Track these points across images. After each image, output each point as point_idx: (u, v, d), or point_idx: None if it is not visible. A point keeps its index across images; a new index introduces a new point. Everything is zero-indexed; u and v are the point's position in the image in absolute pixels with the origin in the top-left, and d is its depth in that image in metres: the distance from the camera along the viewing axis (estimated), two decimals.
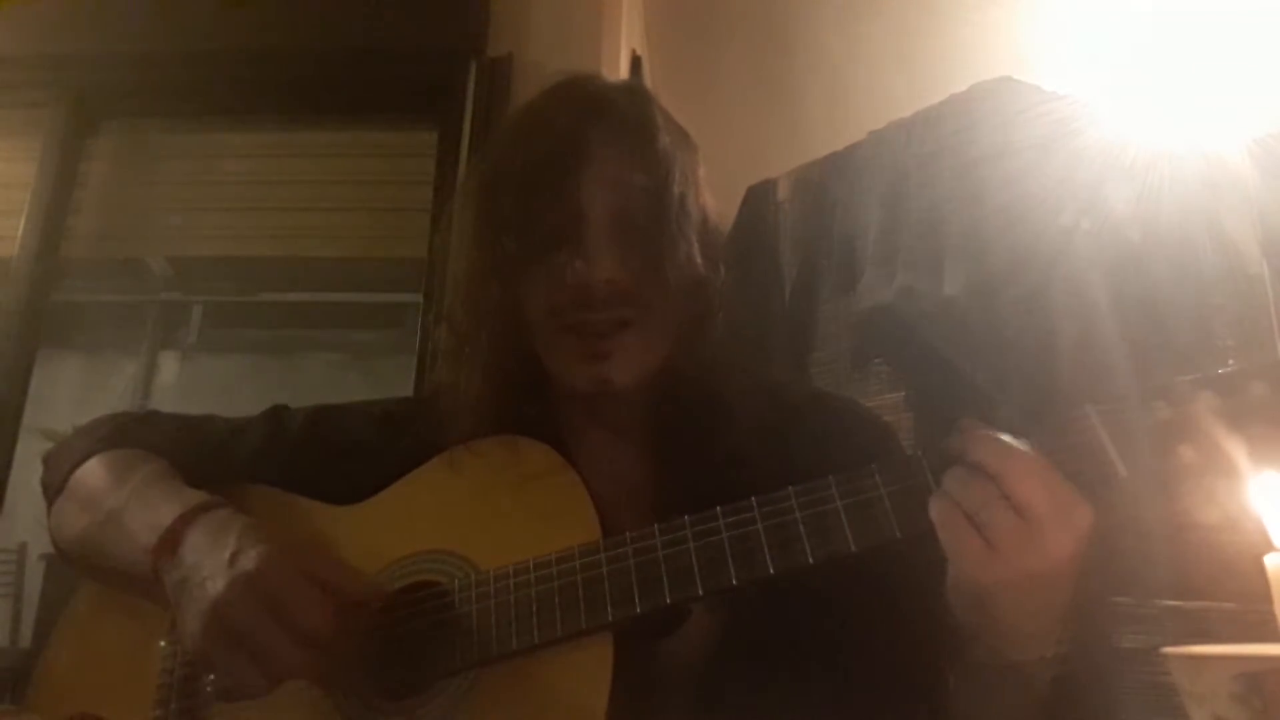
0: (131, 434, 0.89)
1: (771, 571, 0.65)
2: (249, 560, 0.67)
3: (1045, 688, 0.63)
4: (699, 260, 0.79)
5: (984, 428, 0.62)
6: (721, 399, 0.81)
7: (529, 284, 0.79)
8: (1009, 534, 0.56)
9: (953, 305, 1.57)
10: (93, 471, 0.85)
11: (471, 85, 2.00)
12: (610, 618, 0.67)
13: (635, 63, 2.22)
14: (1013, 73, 1.67)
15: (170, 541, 0.73)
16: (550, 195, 0.77)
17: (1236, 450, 0.57)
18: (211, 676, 0.67)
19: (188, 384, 4.79)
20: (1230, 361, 0.61)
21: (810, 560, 0.65)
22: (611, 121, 0.80)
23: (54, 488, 0.88)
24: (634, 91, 0.86)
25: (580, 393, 0.79)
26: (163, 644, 0.79)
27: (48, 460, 0.91)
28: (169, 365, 4.84)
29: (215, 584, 0.67)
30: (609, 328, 0.77)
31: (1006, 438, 0.59)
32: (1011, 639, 0.61)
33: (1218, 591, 1.27)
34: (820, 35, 2.36)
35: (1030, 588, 0.58)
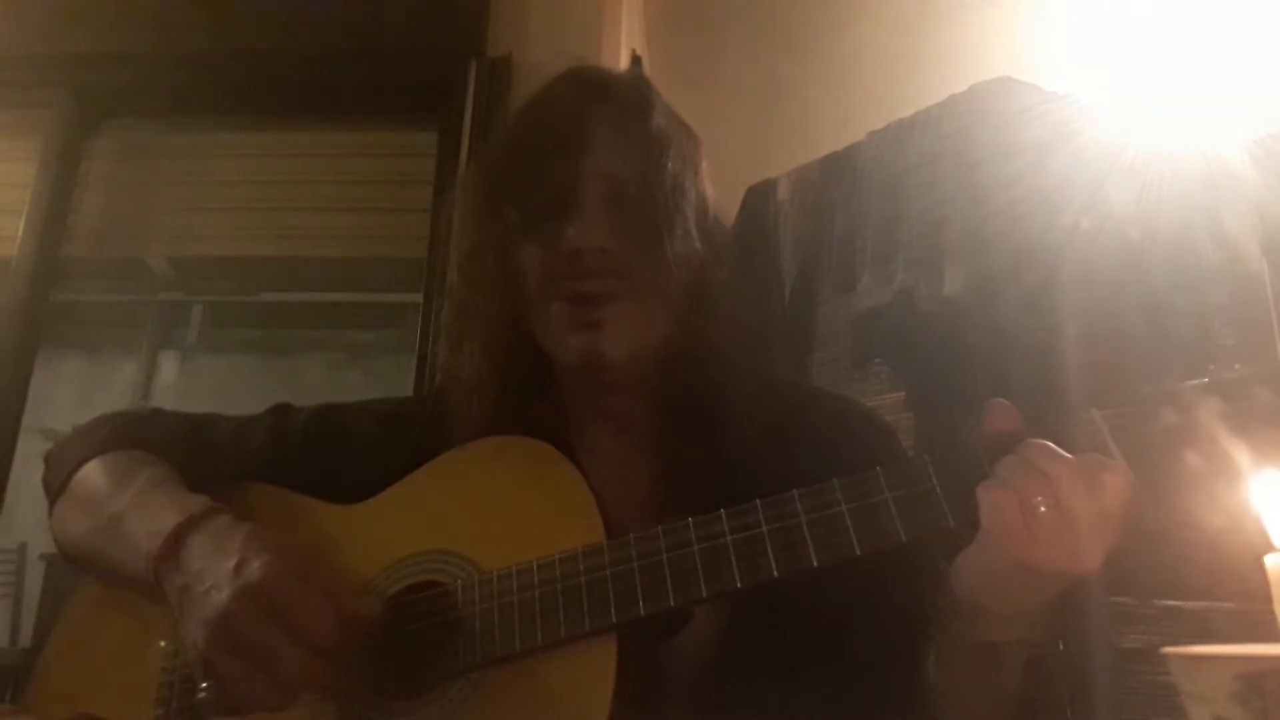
0: (133, 434, 0.88)
1: (775, 574, 0.65)
2: (253, 570, 0.67)
3: (1019, 668, 0.67)
4: (696, 240, 0.80)
5: (1011, 406, 0.66)
6: (725, 398, 0.81)
7: (525, 255, 0.80)
8: (1050, 527, 0.59)
9: (953, 305, 1.57)
10: (94, 474, 0.85)
11: (471, 85, 1.99)
12: (614, 619, 0.67)
13: (635, 63, 2.22)
14: (1013, 73, 1.67)
15: (172, 548, 0.73)
16: (547, 168, 0.79)
17: (1241, 455, 0.57)
18: (204, 685, 0.67)
19: (188, 384, 4.79)
20: (1236, 366, 0.61)
21: (814, 563, 0.65)
22: (609, 101, 0.82)
23: (55, 488, 0.87)
24: (635, 77, 0.90)
25: (573, 367, 0.80)
26: (163, 644, 0.79)
27: (49, 459, 0.90)
28: (169, 365, 4.84)
29: (220, 594, 0.66)
30: (602, 298, 0.77)
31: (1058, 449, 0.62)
32: (1004, 620, 0.65)
33: (1218, 591, 1.27)
34: (820, 35, 2.36)
35: (1047, 579, 0.61)
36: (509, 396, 0.83)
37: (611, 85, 0.85)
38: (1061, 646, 1.34)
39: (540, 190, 0.79)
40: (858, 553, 0.64)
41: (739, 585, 0.66)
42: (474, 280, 0.85)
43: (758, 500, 0.67)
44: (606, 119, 0.81)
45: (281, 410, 0.94)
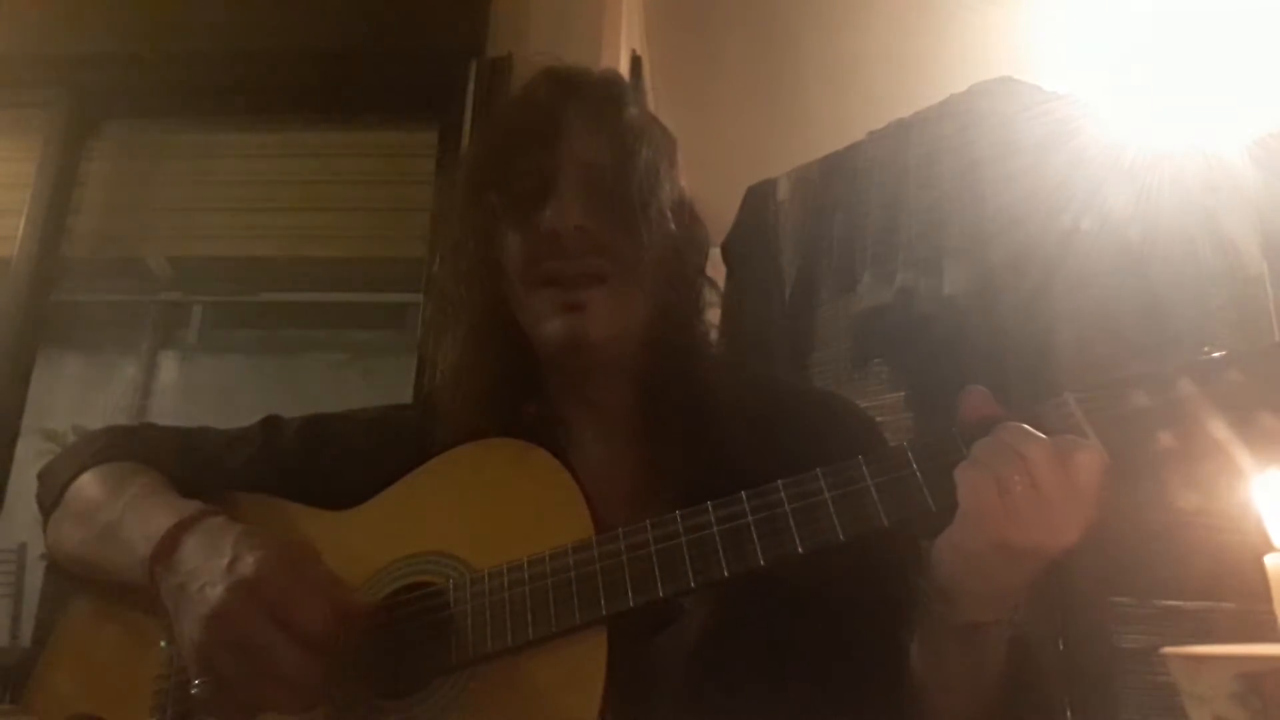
0: (125, 446, 0.89)
1: (762, 562, 0.66)
2: (247, 566, 0.67)
3: (1002, 649, 0.68)
4: (671, 224, 0.83)
5: (986, 392, 0.67)
6: (707, 387, 0.82)
7: (506, 243, 0.82)
8: (1026, 505, 0.60)
9: (953, 305, 1.57)
10: (88, 485, 0.85)
11: (471, 85, 2.00)
12: (604, 611, 0.67)
13: (635, 63, 2.23)
14: (1013, 73, 1.67)
15: (166, 549, 0.73)
16: (524, 156, 0.82)
17: (1216, 436, 0.58)
18: (198, 681, 0.67)
19: (188, 384, 4.78)
20: (1205, 348, 0.62)
21: (800, 550, 0.65)
22: (585, 94, 0.85)
23: (49, 503, 0.88)
24: (610, 75, 0.92)
25: (557, 350, 0.80)
26: (163, 644, 0.79)
27: (43, 476, 0.91)
28: (169, 365, 4.83)
29: (214, 590, 0.67)
30: (583, 280, 0.79)
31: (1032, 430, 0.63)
32: (985, 600, 0.66)
33: (1218, 591, 1.28)
34: (820, 35, 2.36)
35: (1025, 557, 0.62)
36: (495, 388, 0.84)
37: (586, 80, 0.88)
38: (1061, 646, 1.34)
39: (518, 178, 0.81)
40: (841, 539, 0.65)
41: (726, 574, 0.66)
42: (458, 270, 0.87)
43: (743, 491, 0.68)
44: (581, 111, 0.83)
45: (272, 422, 0.95)
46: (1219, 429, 0.58)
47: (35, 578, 3.69)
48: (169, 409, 4.49)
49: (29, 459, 2.07)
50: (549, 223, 0.78)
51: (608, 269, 0.79)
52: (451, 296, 0.88)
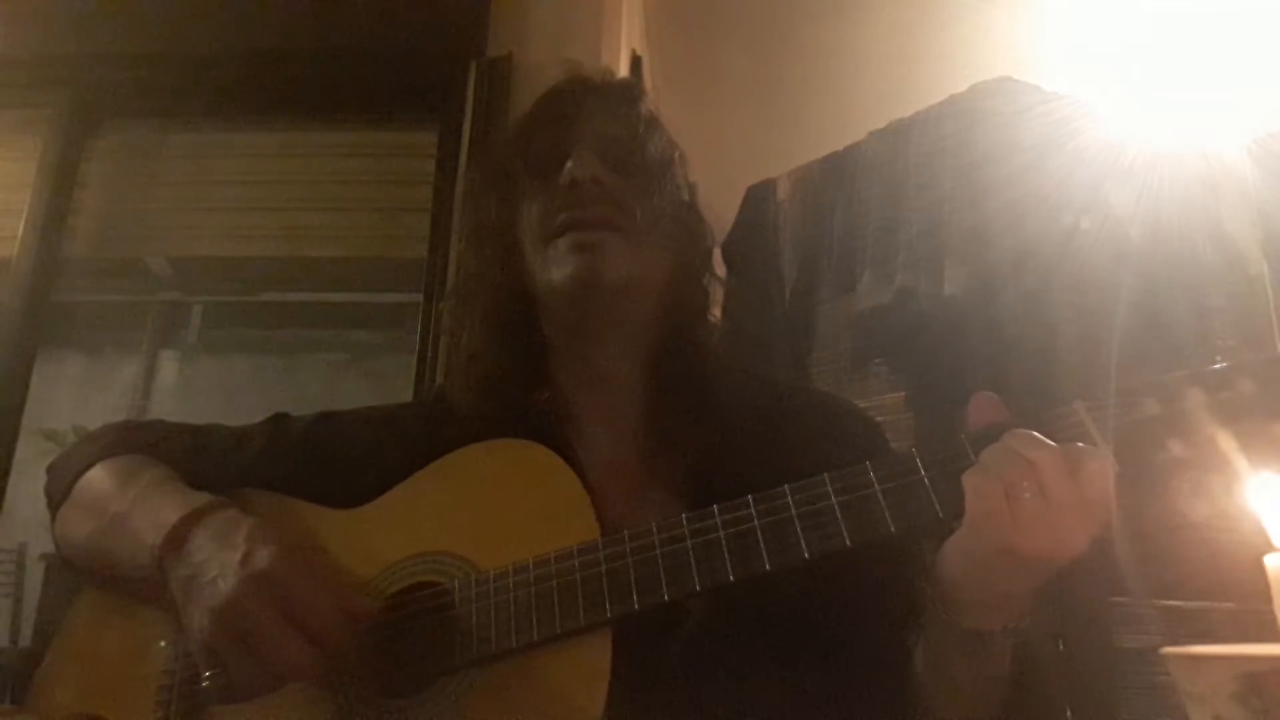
0: (135, 441, 0.89)
1: (768, 567, 0.66)
2: (261, 560, 0.68)
3: (1006, 656, 0.68)
4: (685, 195, 0.88)
5: (996, 398, 0.67)
6: (714, 379, 0.84)
7: (527, 210, 0.85)
8: (1034, 513, 0.60)
9: (953, 305, 1.57)
10: (97, 477, 0.86)
11: (471, 85, 2.00)
12: (609, 614, 0.67)
13: (635, 63, 2.22)
14: (1013, 73, 1.67)
15: (177, 539, 0.73)
16: (547, 134, 0.87)
17: (1226, 446, 0.58)
18: (208, 673, 0.68)
19: (188, 384, 4.78)
20: (1218, 358, 0.62)
21: (806, 555, 0.65)
22: (605, 92, 0.91)
23: (58, 495, 0.88)
24: (629, 80, 0.98)
25: (570, 292, 0.82)
26: (163, 644, 0.80)
27: (51, 470, 0.91)
28: (169, 365, 4.83)
29: (226, 582, 0.67)
30: (598, 223, 0.82)
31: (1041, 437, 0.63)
32: (990, 607, 0.66)
33: (1218, 591, 1.27)
34: (820, 35, 2.36)
35: (1032, 564, 0.62)
36: (507, 374, 0.85)
37: (607, 81, 0.94)
38: (1061, 646, 1.34)
39: (541, 151, 0.86)
40: (848, 544, 0.65)
41: (731, 578, 0.66)
42: (479, 243, 0.91)
43: (750, 496, 0.68)
44: (601, 103, 0.88)
45: (280, 419, 0.95)
46: (1229, 438, 0.58)
47: (35, 578, 3.69)
48: (169, 409, 4.49)
49: (29, 459, 2.07)
50: (568, 175, 0.81)
51: (622, 221, 0.82)
52: (470, 273, 0.91)
